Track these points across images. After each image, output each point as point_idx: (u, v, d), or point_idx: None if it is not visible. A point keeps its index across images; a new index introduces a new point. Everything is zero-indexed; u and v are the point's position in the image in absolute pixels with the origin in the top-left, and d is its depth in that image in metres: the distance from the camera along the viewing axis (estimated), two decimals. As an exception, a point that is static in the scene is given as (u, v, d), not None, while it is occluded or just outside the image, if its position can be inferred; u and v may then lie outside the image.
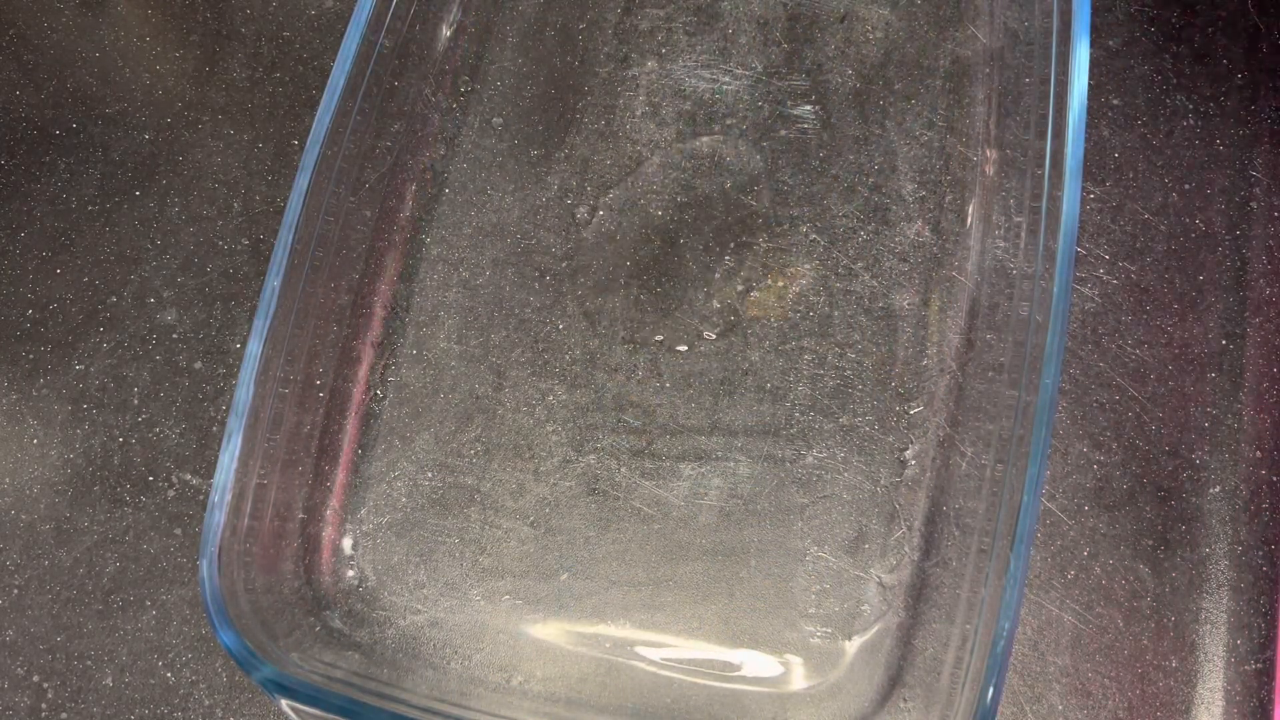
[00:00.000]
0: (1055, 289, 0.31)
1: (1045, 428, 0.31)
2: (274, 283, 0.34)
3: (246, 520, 0.34)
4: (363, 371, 0.39)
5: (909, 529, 0.37)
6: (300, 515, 0.37)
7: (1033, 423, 0.31)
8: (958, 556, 0.35)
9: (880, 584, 0.36)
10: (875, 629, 0.36)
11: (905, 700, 0.34)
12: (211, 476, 0.38)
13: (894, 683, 0.35)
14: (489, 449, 0.38)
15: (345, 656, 0.36)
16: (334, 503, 0.38)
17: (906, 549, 0.36)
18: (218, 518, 0.32)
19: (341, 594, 0.37)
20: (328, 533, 0.38)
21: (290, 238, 0.34)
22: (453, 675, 0.36)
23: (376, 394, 0.39)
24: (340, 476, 0.38)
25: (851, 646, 0.36)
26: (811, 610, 0.36)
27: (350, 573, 0.37)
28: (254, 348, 0.33)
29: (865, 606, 0.36)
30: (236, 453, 0.33)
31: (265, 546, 0.35)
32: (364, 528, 0.38)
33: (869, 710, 0.35)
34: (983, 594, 0.32)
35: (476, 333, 0.39)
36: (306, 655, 0.34)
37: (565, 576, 0.37)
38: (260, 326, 0.34)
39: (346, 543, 0.38)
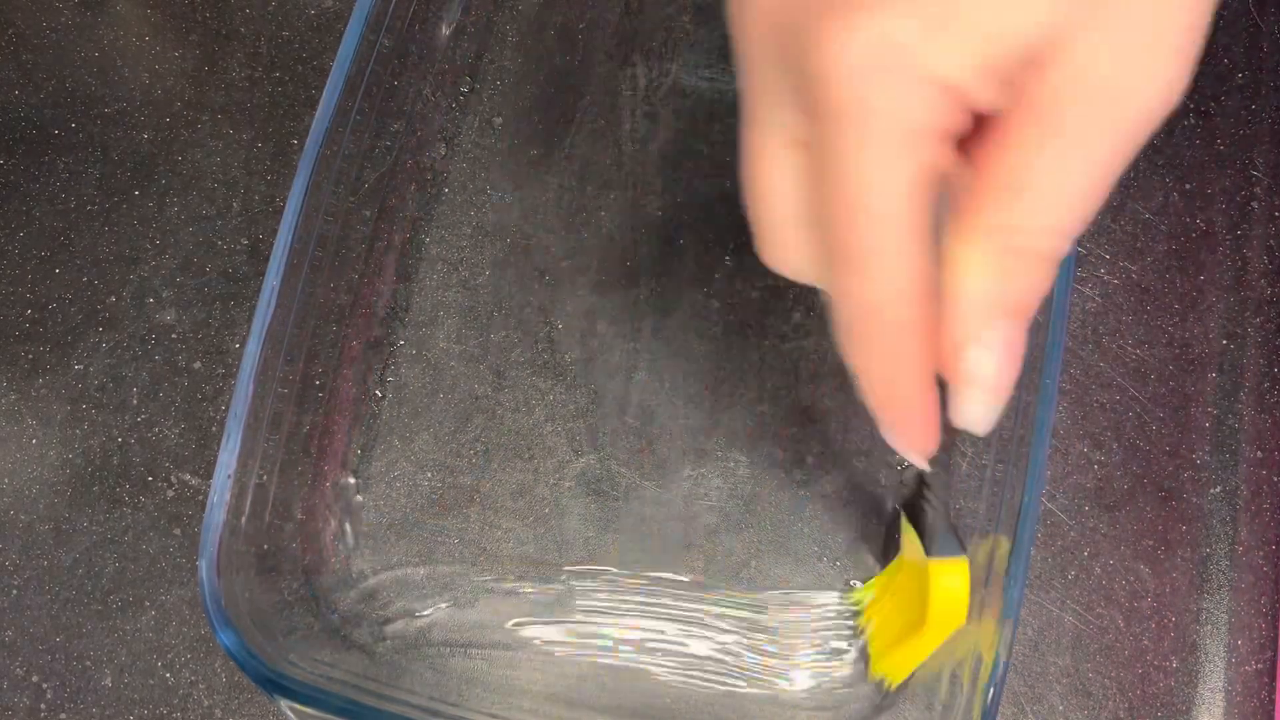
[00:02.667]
0: (1055, 289, 0.31)
1: (1045, 428, 0.31)
2: (273, 282, 0.34)
3: (246, 520, 0.34)
4: (363, 371, 0.39)
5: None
6: (300, 515, 0.37)
7: (1033, 423, 0.31)
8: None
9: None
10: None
11: (905, 701, 0.34)
12: (211, 477, 0.38)
13: (884, 692, 0.35)
14: (489, 449, 0.38)
15: (345, 656, 0.36)
16: (334, 503, 0.38)
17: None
18: (217, 518, 0.32)
19: (341, 594, 0.37)
20: (327, 533, 0.37)
21: (290, 237, 0.34)
22: (453, 675, 0.36)
23: (376, 394, 0.39)
24: (340, 476, 0.38)
25: (852, 647, 0.36)
26: (811, 610, 0.36)
27: (350, 572, 0.37)
28: (253, 347, 0.33)
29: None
30: (236, 452, 0.33)
31: (265, 546, 0.35)
32: (364, 528, 0.38)
33: (869, 711, 0.35)
34: (983, 594, 0.31)
35: (476, 333, 0.39)
36: (306, 655, 0.34)
37: (565, 576, 0.37)
38: (259, 326, 0.33)
39: (346, 542, 0.38)
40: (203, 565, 0.32)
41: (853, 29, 0.20)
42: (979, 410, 0.23)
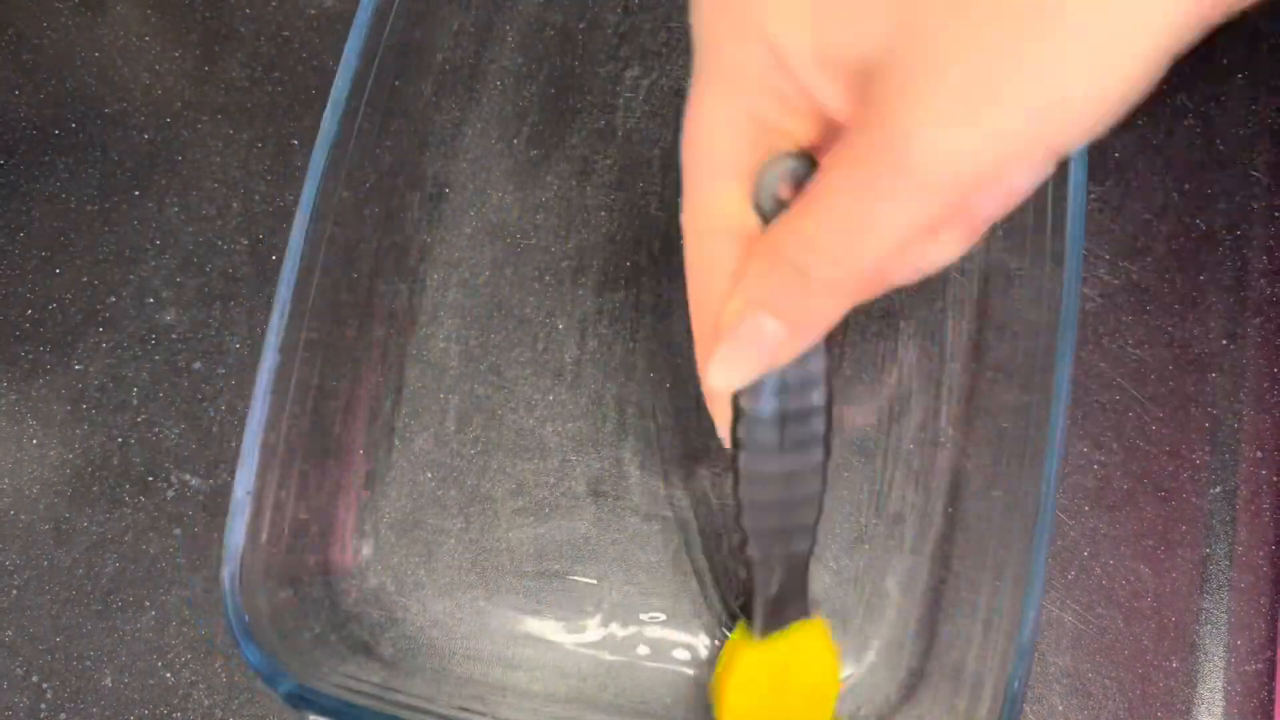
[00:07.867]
0: (1064, 290, 0.31)
1: (1059, 425, 0.31)
2: (285, 294, 0.33)
3: (265, 534, 0.33)
4: (363, 372, 0.39)
5: (909, 529, 0.37)
6: (313, 526, 0.37)
7: (1046, 423, 0.31)
8: (960, 556, 0.35)
9: (881, 584, 0.36)
10: (875, 629, 0.36)
11: (919, 699, 0.34)
12: (211, 477, 0.38)
13: (908, 682, 0.35)
14: (489, 449, 0.38)
15: (345, 657, 0.36)
16: (334, 504, 0.38)
17: (908, 549, 0.36)
18: (238, 533, 0.32)
19: (341, 595, 0.37)
20: (327, 534, 0.37)
21: (301, 245, 0.33)
22: (453, 675, 0.36)
23: (376, 394, 0.39)
24: (341, 477, 0.38)
25: (851, 646, 0.36)
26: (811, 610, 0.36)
27: (350, 574, 0.37)
28: (270, 360, 0.32)
29: (864, 607, 0.36)
30: (255, 468, 0.32)
31: (283, 559, 0.35)
32: (365, 528, 0.38)
33: (883, 710, 0.35)
34: (997, 598, 0.31)
35: (476, 333, 0.39)
36: (322, 664, 0.34)
37: (566, 576, 0.37)
38: (273, 339, 0.32)
39: (346, 543, 0.38)
40: (225, 579, 0.31)
41: None
42: (712, 367, 0.24)
